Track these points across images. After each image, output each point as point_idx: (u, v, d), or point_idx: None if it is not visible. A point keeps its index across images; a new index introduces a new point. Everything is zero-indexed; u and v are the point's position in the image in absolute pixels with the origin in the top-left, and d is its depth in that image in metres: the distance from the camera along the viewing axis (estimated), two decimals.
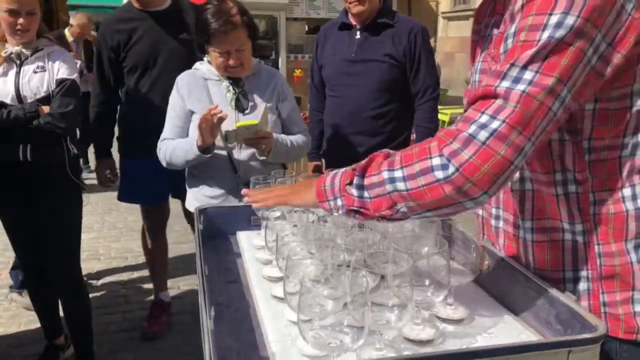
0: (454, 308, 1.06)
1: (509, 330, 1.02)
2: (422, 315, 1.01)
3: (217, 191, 2.13)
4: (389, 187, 0.96)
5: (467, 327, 1.03)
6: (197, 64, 2.20)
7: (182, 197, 2.71)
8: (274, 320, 1.06)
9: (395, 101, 2.65)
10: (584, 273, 1.05)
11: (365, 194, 1.00)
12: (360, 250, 1.08)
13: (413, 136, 2.81)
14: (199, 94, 2.11)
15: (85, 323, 2.63)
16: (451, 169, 0.89)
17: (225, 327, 1.05)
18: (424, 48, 2.63)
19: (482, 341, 0.99)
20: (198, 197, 2.17)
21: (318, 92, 2.88)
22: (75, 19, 6.01)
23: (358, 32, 2.65)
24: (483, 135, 0.88)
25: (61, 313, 2.68)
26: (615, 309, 1.03)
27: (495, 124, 0.88)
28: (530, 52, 0.88)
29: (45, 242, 2.45)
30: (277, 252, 1.14)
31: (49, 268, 2.51)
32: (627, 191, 1.02)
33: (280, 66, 7.10)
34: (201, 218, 1.47)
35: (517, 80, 0.89)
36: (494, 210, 1.18)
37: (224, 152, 2.08)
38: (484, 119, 0.89)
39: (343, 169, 1.07)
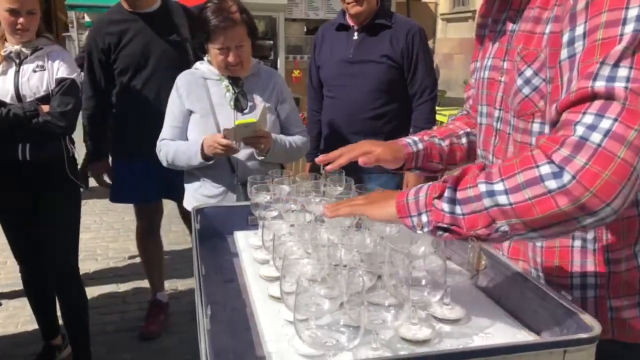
0: (451, 308, 1.06)
1: (505, 330, 1.02)
2: (419, 315, 1.01)
3: (215, 190, 2.14)
4: (487, 202, 0.86)
5: (464, 327, 1.03)
6: (198, 64, 2.21)
7: (175, 198, 2.72)
8: (270, 319, 1.06)
9: (393, 102, 2.66)
10: (592, 280, 1.04)
11: (458, 210, 0.89)
12: (357, 250, 1.08)
13: None
14: (198, 93, 2.12)
15: (82, 323, 2.63)
16: (566, 177, 0.78)
17: (221, 326, 1.05)
18: (422, 49, 2.64)
19: (478, 341, 0.99)
20: (196, 196, 2.17)
21: (316, 93, 2.88)
22: None
23: (356, 33, 2.66)
24: (596, 136, 0.78)
25: (58, 313, 2.68)
26: (621, 314, 1.03)
27: (606, 123, 0.78)
28: (618, 48, 0.81)
29: (43, 241, 2.45)
30: (274, 252, 1.14)
31: (47, 268, 2.51)
32: None
33: (279, 67, 7.09)
34: (198, 217, 1.47)
35: (612, 79, 0.80)
36: None
37: None
38: (588, 119, 0.79)
39: (429, 183, 0.97)
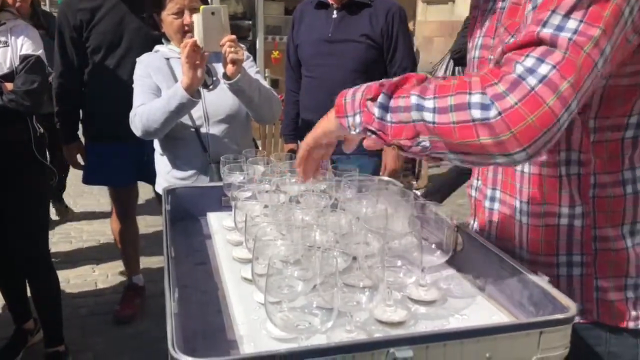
0: (427, 289, 1.05)
1: (481, 311, 1.01)
2: (394, 297, 0.99)
3: (187, 172, 2.08)
4: (414, 115, 0.86)
5: (440, 308, 1.02)
6: (157, 46, 2.15)
7: (150, 181, 2.65)
8: (242, 302, 1.03)
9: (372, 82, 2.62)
10: (578, 258, 1.03)
11: (387, 117, 0.90)
12: (332, 230, 1.06)
13: None
14: (163, 73, 2.05)
15: (53, 307, 2.57)
16: (493, 112, 0.79)
17: (191, 309, 1.02)
18: (402, 29, 2.60)
19: (454, 323, 0.97)
20: (168, 178, 2.11)
21: (294, 72, 2.83)
22: None
23: (335, 12, 2.61)
24: (532, 80, 0.78)
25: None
26: (607, 295, 1.02)
27: (544, 69, 0.79)
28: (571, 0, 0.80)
29: (11, 223, 2.38)
30: (246, 233, 1.11)
31: (16, 250, 2.44)
32: (627, 174, 1.00)
33: (257, 47, 6.99)
34: (169, 198, 1.42)
35: (560, 28, 0.80)
36: (489, 192, 1.14)
37: (193, 132, 2.03)
38: (529, 62, 0.80)
39: (368, 83, 0.96)
